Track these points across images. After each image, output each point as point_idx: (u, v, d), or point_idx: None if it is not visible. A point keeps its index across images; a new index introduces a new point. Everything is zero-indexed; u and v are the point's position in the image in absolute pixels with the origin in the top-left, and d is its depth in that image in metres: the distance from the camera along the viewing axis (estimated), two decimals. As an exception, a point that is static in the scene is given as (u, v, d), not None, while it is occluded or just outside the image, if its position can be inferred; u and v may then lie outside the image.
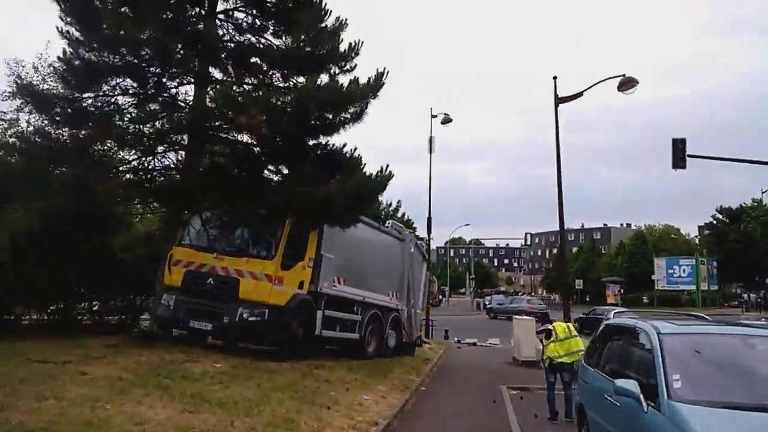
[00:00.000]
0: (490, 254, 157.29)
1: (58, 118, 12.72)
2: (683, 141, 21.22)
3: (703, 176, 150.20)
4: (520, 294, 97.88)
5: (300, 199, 11.89)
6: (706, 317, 7.41)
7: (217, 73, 13.78)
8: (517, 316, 22.10)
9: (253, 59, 13.95)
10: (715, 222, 75.18)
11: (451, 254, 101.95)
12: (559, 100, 17.71)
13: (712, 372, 5.27)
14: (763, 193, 62.32)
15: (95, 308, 17.74)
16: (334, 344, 14.95)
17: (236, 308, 11.81)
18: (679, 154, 21.20)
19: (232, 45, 13.94)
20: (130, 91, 13.18)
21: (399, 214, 48.39)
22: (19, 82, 16.53)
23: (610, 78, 17.43)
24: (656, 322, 6.08)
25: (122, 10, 12.61)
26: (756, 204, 68.05)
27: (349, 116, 12.60)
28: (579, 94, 17.62)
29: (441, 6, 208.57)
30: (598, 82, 17.66)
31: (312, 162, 12.53)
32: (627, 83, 17.22)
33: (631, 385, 5.24)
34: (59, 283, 15.99)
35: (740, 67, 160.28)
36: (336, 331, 14.26)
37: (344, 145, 12.86)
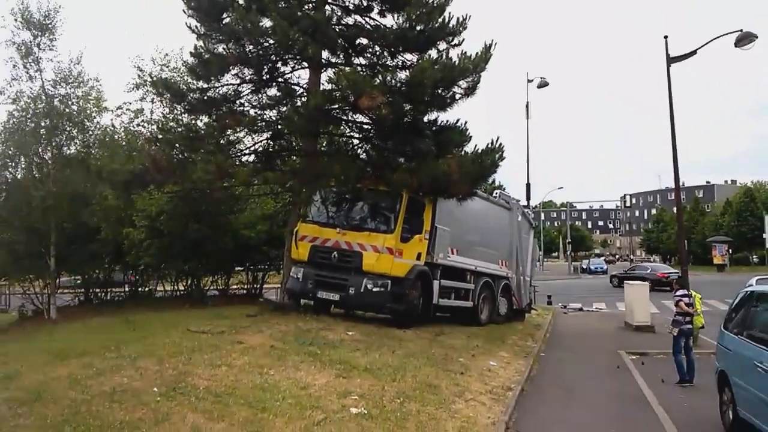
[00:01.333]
0: (584, 216, 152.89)
1: (189, 107, 13.73)
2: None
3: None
4: (619, 259, 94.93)
5: (417, 174, 12.32)
6: None
7: (329, 56, 14.38)
8: (630, 281, 21.74)
9: (362, 40, 14.39)
10: (834, 176, 69.61)
11: (543, 218, 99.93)
12: (670, 60, 17.02)
13: None
14: None
15: (222, 280, 19.21)
16: (447, 311, 15.46)
17: (361, 280, 12.50)
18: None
19: (341, 27, 14.41)
20: (248, 78, 13.95)
21: (490, 180, 48.08)
22: (140, 74, 17.95)
23: (726, 34, 16.52)
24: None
25: (242, 2, 13.41)
26: None
27: (462, 91, 12.80)
28: (693, 53, 16.82)
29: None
30: (714, 39, 16.78)
31: (428, 138, 12.86)
32: (745, 38, 16.25)
33: None
34: (190, 259, 17.47)
35: None
36: (451, 299, 14.78)
37: (457, 120, 13.14)
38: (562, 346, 14.96)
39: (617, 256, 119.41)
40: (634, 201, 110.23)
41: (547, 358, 13.12)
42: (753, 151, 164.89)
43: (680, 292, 11.11)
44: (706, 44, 16.57)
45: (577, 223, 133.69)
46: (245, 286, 19.47)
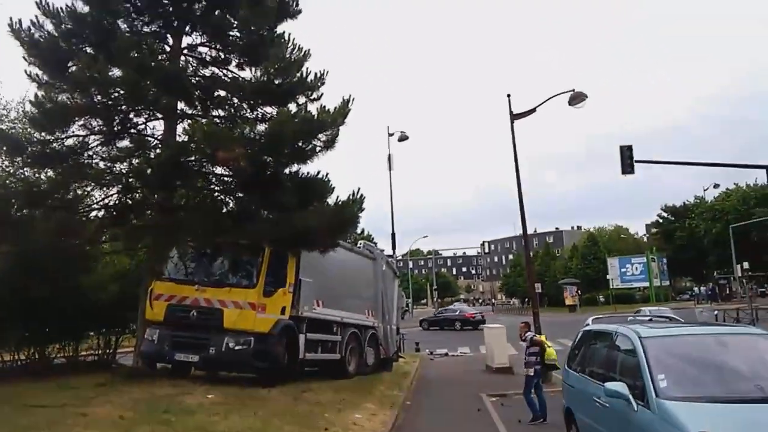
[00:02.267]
0: (449, 263, 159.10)
1: (30, 160, 12.71)
2: (630, 147, 22.38)
3: (647, 177, 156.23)
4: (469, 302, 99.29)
5: (279, 227, 12.19)
6: (677, 317, 8.05)
7: (184, 107, 14.04)
8: (488, 325, 22.72)
9: (221, 92, 14.25)
10: (661, 220, 78.25)
11: (411, 266, 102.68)
12: (514, 117, 18.50)
13: (692, 370, 5.88)
14: (705, 190, 65.24)
15: (70, 347, 17.55)
16: (314, 365, 15.21)
17: (222, 338, 11.99)
18: (627, 160, 22.34)
19: (197, 79, 14.19)
20: (96, 129, 13.24)
21: (358, 230, 48.83)
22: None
23: (560, 93, 18.35)
24: (635, 326, 6.69)
25: (89, 51, 12.81)
26: (698, 201, 71.12)
27: (321, 144, 12.97)
28: (532, 110, 18.45)
29: (393, 25, 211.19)
30: (550, 98, 18.55)
31: (288, 190, 12.79)
32: (577, 97, 18.16)
33: (619, 387, 5.81)
34: (32, 324, 15.83)
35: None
36: (318, 352, 14.56)
37: (318, 173, 13.22)
38: (427, 393, 15.19)
39: (480, 300, 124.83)
40: (493, 247, 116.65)
41: (413, 406, 13.24)
42: (591, 198, 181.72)
43: (529, 333, 11.77)
44: (543, 102, 18.22)
45: (443, 270, 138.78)
46: (97, 352, 17.93)
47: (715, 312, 34.36)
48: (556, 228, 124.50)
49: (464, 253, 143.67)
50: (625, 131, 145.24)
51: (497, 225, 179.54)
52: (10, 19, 12.34)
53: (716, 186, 61.07)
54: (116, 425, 8.17)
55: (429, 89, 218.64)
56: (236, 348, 11.96)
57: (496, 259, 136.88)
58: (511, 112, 18.38)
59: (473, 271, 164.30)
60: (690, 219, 69.69)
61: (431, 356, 25.42)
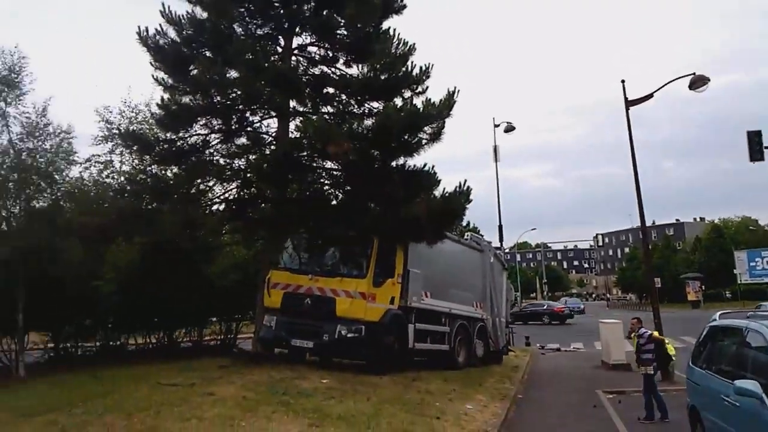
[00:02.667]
0: (559, 257, 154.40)
1: (158, 158, 13.75)
2: (758, 133, 20.71)
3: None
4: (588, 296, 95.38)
5: (387, 219, 12.43)
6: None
7: (296, 105, 14.60)
8: (604, 320, 21.88)
9: (329, 89, 14.69)
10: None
11: (518, 259, 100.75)
12: (629, 103, 17.63)
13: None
14: None
15: (194, 332, 18.86)
16: (424, 356, 15.34)
17: (335, 326, 12.38)
18: (755, 146, 20.69)
19: (307, 77, 14.70)
20: (216, 128, 14.06)
21: (464, 223, 48.55)
22: (109, 127, 17.94)
23: (680, 77, 17.25)
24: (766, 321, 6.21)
25: (208, 54, 13.64)
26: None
27: (427, 136, 13.04)
28: (649, 96, 17.50)
29: (490, 7, 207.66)
30: (669, 82, 17.50)
31: (395, 183, 12.99)
32: (698, 81, 16.99)
33: (751, 385, 5.44)
34: (161, 311, 17.17)
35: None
36: (427, 343, 14.68)
37: (425, 165, 13.30)
38: (539, 387, 14.89)
39: (593, 295, 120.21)
40: (606, 240, 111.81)
41: (525, 399, 13.04)
42: (718, 187, 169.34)
43: (644, 330, 11.18)
44: (661, 87, 17.21)
45: (552, 263, 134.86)
46: (218, 337, 19.14)
47: None
48: (677, 219, 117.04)
49: (575, 246, 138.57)
50: (754, 114, 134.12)
51: (610, 217, 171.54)
52: (138, 27, 13.39)
53: None
54: (240, 405, 8.68)
55: (535, 76, 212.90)
56: (348, 335, 12.31)
57: (610, 252, 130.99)
58: (625, 98, 17.55)
59: (585, 265, 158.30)
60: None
61: (542, 351, 24.85)
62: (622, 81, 17.56)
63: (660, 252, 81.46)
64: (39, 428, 7.12)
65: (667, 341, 11.47)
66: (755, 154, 20.58)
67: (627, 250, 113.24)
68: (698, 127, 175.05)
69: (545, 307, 44.89)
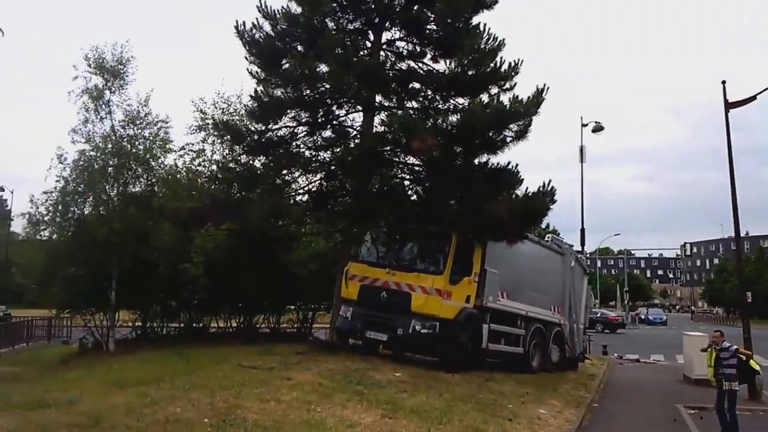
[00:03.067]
0: (642, 265, 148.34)
1: (248, 148, 14.27)
2: None
3: None
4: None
5: (467, 216, 12.40)
6: None
7: (381, 99, 14.76)
8: (688, 333, 20.93)
9: (415, 84, 14.74)
10: None
11: (599, 265, 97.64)
12: (729, 105, 16.69)
13: None
14: None
15: (273, 318, 19.51)
16: (497, 357, 15.19)
17: (409, 320, 12.48)
18: None
19: (394, 72, 14.80)
20: (304, 121, 14.43)
21: (543, 225, 47.55)
22: (203, 117, 18.78)
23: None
24: None
25: (300, 48, 14.00)
26: None
27: (513, 134, 12.89)
28: (752, 98, 16.45)
29: (581, 4, 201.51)
30: (775, 83, 16.43)
31: (477, 180, 12.93)
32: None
33: None
34: (243, 296, 17.86)
35: None
36: (501, 344, 14.54)
37: (508, 163, 13.18)
38: (616, 398, 14.43)
39: (677, 307, 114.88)
40: (695, 250, 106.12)
41: (600, 408, 12.67)
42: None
43: (728, 344, 10.61)
44: (765, 89, 16.19)
45: (635, 271, 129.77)
46: (295, 325, 19.69)
47: None
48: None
49: (660, 254, 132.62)
50: None
51: (699, 226, 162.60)
52: (236, 21, 13.94)
53: None
54: (316, 390, 8.94)
55: (629, 75, 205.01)
56: (422, 331, 12.38)
57: (698, 263, 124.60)
58: (725, 100, 16.59)
59: (670, 275, 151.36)
60: None
61: (621, 361, 24.02)
62: (723, 82, 16.63)
63: (753, 265, 76.76)
64: (131, 399, 7.60)
65: (752, 356, 10.83)
66: None
67: (716, 261, 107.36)
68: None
69: (599, 315, 45.69)
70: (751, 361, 10.68)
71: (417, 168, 14.18)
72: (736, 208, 16.43)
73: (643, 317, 64.94)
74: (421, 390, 10.12)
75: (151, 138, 18.13)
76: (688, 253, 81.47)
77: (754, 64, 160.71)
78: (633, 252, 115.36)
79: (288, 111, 13.94)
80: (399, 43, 15.00)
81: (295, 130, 14.53)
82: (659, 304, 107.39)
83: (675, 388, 16.26)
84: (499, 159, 13.35)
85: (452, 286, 12.77)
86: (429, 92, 14.65)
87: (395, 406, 8.60)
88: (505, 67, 13.89)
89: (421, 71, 14.78)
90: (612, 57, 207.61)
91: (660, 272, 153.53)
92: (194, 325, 19.99)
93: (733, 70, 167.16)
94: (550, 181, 13.24)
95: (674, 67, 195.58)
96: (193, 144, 19.36)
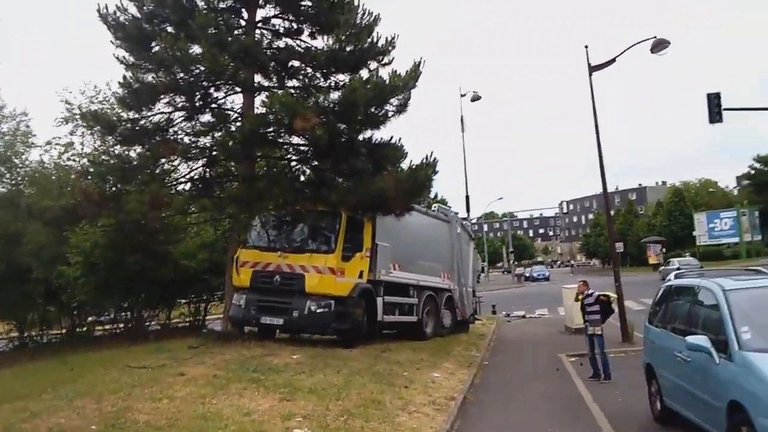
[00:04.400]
0: (525, 225, 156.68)
1: (121, 138, 13.55)
2: (717, 95, 21.34)
3: (736, 127, 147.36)
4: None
5: (355, 193, 12.54)
6: (764, 270, 7.74)
7: (261, 80, 14.47)
8: (566, 286, 22.48)
9: (294, 62, 14.57)
10: (753, 171, 73.63)
11: (486, 229, 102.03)
12: (592, 68, 17.83)
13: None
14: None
15: (163, 314, 18.86)
16: (393, 328, 15.63)
17: (304, 302, 12.51)
18: (715, 108, 21.31)
19: (272, 51, 14.53)
20: (180, 106, 13.88)
21: (432, 195, 48.81)
22: (69, 107, 17.59)
23: (641, 41, 17.50)
24: (718, 279, 6.53)
25: (170, 30, 13.38)
26: (796, 150, 66.46)
27: (394, 108, 13.12)
28: (612, 61, 17.68)
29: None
30: (630, 47, 17.67)
31: (362, 156, 13.09)
32: (659, 44, 17.23)
33: (702, 340, 5.78)
34: (129, 293, 17.10)
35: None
36: (396, 315, 14.94)
37: (391, 138, 13.43)
38: (505, 353, 15.34)
39: (558, 262, 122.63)
40: (571, 207, 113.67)
41: (491, 366, 13.44)
42: (683, 153, 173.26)
43: (592, 291, 11.66)
44: (623, 52, 17.45)
45: (519, 232, 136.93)
46: (188, 318, 19.16)
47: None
48: (639, 184, 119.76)
49: (541, 214, 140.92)
50: (718, 78, 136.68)
51: (577, 184, 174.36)
52: (98, 5, 13.06)
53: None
54: (211, 383, 8.79)
55: (501, 45, 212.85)
56: (318, 311, 12.46)
57: (575, 219, 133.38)
58: (589, 64, 17.70)
59: (551, 233, 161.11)
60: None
61: (508, 318, 25.46)
62: (586, 46, 17.74)
63: (623, 217, 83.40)
64: (8, 415, 7.14)
65: (611, 298, 11.89)
66: (714, 116, 21.26)
67: (591, 216, 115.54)
68: (664, 92, 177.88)
69: None
70: (611, 301, 11.73)
71: (303, 148, 14.11)
72: (602, 165, 17.72)
73: (528, 275, 68.82)
74: (319, 369, 10.23)
75: (10, 133, 16.74)
76: (565, 210, 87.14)
77: (617, 29, 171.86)
78: (516, 214, 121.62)
79: (162, 96, 13.35)
80: (275, 21, 14.72)
81: (171, 116, 13.97)
82: (542, 261, 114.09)
83: (557, 339, 17.50)
84: (383, 134, 13.59)
85: (345, 263, 12.91)
86: (309, 70, 14.53)
87: (293, 389, 8.65)
88: (382, 41, 14.04)
89: (300, 49, 14.60)
90: (488, 28, 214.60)
91: (541, 231, 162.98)
92: (77, 330, 18.94)
93: (596, 36, 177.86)
94: (432, 153, 13.65)
95: (548, 36, 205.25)
96: (60, 138, 18.12)
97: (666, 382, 7.28)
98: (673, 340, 6.96)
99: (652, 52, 17.43)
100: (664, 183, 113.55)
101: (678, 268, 47.29)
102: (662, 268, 49.44)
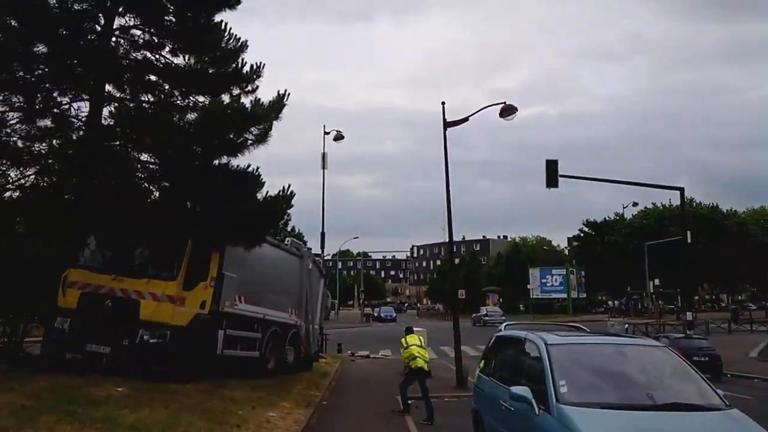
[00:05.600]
0: (377, 266, 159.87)
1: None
2: (555, 162, 23.30)
3: (571, 191, 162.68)
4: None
5: (205, 219, 12.04)
6: (584, 328, 8.43)
7: (112, 89, 13.61)
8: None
9: (152, 77, 13.89)
10: (582, 234, 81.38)
11: (340, 266, 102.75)
12: (447, 124, 18.85)
13: (592, 377, 6.20)
14: (624, 207, 68.07)
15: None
16: (232, 362, 14.99)
17: (136, 330, 11.67)
18: (552, 173, 23.24)
19: (128, 61, 13.76)
20: (17, 106, 12.66)
21: (288, 228, 48.44)
22: None
23: (493, 105, 18.92)
24: (543, 333, 7.00)
25: (14, 24, 12.21)
26: (618, 218, 74.44)
27: (253, 138, 12.87)
28: (465, 119, 18.90)
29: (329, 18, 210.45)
30: (482, 109, 19.07)
31: (216, 182, 12.60)
32: (508, 110, 18.77)
33: (523, 391, 6.06)
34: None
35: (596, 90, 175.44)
36: (237, 349, 14.34)
37: (248, 166, 13.09)
38: (345, 393, 15.29)
39: (406, 304, 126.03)
40: (421, 252, 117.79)
41: (329, 406, 13.30)
42: (523, 208, 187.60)
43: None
44: (475, 113, 18.73)
45: (371, 272, 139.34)
46: (3, 340, 17.03)
47: (626, 325, 36.13)
48: (483, 236, 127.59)
49: (393, 256, 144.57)
50: (555, 145, 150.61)
51: (428, 229, 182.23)
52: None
53: (635, 204, 64.37)
54: (17, 414, 7.85)
55: (361, 86, 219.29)
56: (151, 341, 11.67)
57: (424, 263, 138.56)
58: (444, 120, 18.71)
59: (401, 275, 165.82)
60: (609, 234, 72.79)
61: (353, 357, 25.55)
62: (443, 103, 18.75)
63: (467, 266, 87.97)
64: None
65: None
66: (551, 180, 23.15)
67: (439, 262, 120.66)
68: (511, 151, 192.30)
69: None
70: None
71: (152, 166, 13.35)
72: (450, 215, 18.62)
73: (376, 314, 70.13)
74: (145, 403, 9.50)
75: None
76: (416, 255, 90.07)
77: (478, 90, 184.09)
78: (369, 254, 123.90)
79: (-4, 93, 12.07)
80: (134, 31, 13.91)
81: (6, 116, 12.63)
82: (391, 302, 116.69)
83: (398, 380, 17.69)
84: (242, 161, 13.23)
85: (186, 291, 12.24)
86: (167, 86, 13.89)
87: (113, 424, 7.96)
88: (247, 68, 13.79)
89: (160, 64, 13.93)
90: (356, 74, 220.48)
91: (393, 272, 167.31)
92: None
93: (461, 93, 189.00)
94: (289, 186, 13.54)
95: (412, 86, 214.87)
96: None
97: (491, 429, 7.57)
98: (499, 389, 7.28)
99: (500, 117, 18.91)
100: (505, 237, 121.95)
101: (485, 314, 52.64)
102: (474, 315, 56.53)
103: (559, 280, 73.52)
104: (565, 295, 72.79)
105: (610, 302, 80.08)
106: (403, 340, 13.71)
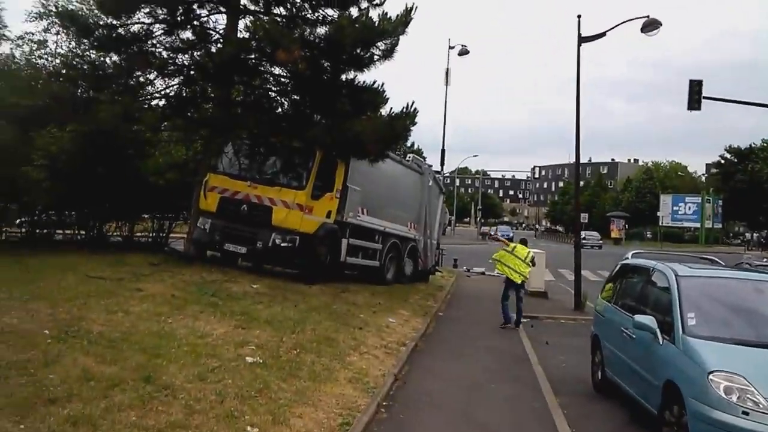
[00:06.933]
0: (496, 185, 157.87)
1: (96, 44, 13.05)
2: (699, 83, 21.34)
3: (713, 115, 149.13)
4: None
5: (332, 132, 12.39)
6: (719, 261, 8.00)
7: (246, 2, 13.97)
8: (536, 249, 22.91)
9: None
10: (722, 161, 75.06)
11: (457, 184, 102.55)
12: (581, 40, 17.70)
13: (723, 312, 5.97)
14: (773, 134, 61.81)
15: (125, 227, 18.57)
16: (354, 269, 15.80)
17: (269, 234, 12.53)
18: (695, 95, 21.36)
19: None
20: (161, 18, 13.38)
21: (409, 144, 48.74)
22: (44, 2, 16.72)
23: (633, 19, 17.43)
24: (673, 264, 6.74)
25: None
26: (765, 144, 67.77)
27: (380, 52, 12.86)
28: (602, 34, 17.60)
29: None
30: (622, 23, 17.62)
31: (343, 97, 12.89)
32: (651, 25, 17.23)
33: (648, 320, 5.98)
34: (93, 203, 16.74)
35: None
36: (359, 258, 15.10)
37: (374, 82, 13.18)
38: (459, 307, 15.69)
39: (524, 225, 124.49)
40: (543, 173, 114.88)
41: (445, 317, 13.75)
42: (658, 131, 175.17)
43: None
44: (614, 27, 17.37)
45: (489, 191, 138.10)
46: (150, 234, 18.90)
47: (765, 260, 33.59)
48: (612, 159, 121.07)
49: (513, 176, 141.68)
50: (698, 63, 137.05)
51: (552, 150, 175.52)
52: None
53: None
54: (168, 302, 8.84)
55: (494, 3, 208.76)
56: (282, 245, 12.50)
57: (545, 185, 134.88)
58: (579, 35, 17.58)
59: (520, 195, 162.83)
60: (754, 162, 66.64)
61: (468, 273, 25.90)
62: (578, 16, 17.56)
63: (591, 189, 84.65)
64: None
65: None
66: (693, 103, 21.31)
67: (561, 184, 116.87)
68: (648, 69, 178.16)
69: None
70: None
71: (283, 80, 13.81)
72: (578, 135, 17.85)
73: (492, 233, 69.85)
74: (278, 301, 10.34)
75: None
76: (537, 176, 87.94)
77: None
78: (488, 173, 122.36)
79: (142, 5, 12.83)
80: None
81: (151, 28, 13.46)
82: (508, 221, 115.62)
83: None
84: (366, 77, 13.34)
85: (314, 201, 12.90)
86: (297, 0, 14.09)
87: (249, 317, 8.76)
88: (376, -19, 13.63)
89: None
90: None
91: (511, 192, 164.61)
92: (37, 231, 18.55)
93: (590, 6, 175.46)
94: (413, 103, 13.47)
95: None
96: (33, 33, 17.25)
97: (609, 354, 7.56)
98: (622, 316, 7.20)
99: (642, 32, 17.42)
100: (636, 161, 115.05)
101: (584, 237, 50.90)
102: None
103: (693, 209, 69.07)
104: (698, 225, 68.48)
105: (747, 234, 74.34)
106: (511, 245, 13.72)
